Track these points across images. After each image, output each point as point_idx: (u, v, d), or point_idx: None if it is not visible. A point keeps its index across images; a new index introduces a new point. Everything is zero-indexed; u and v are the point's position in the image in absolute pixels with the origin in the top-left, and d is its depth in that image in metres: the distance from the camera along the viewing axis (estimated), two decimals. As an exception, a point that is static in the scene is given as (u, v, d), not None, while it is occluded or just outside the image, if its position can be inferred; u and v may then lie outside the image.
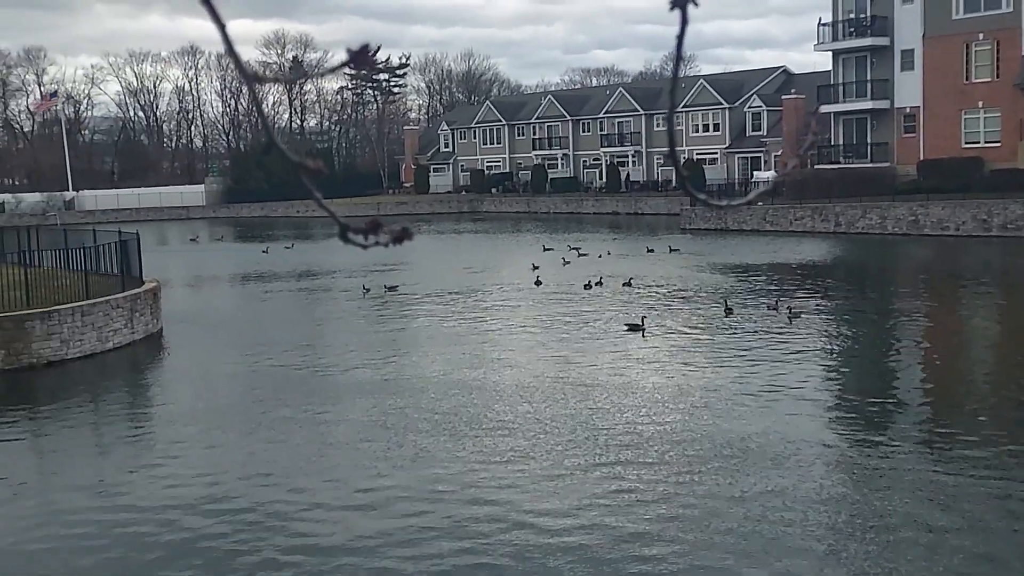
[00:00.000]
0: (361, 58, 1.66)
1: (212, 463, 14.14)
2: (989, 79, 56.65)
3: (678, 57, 1.66)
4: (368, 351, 22.62)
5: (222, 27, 1.52)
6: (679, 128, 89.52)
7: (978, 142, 57.20)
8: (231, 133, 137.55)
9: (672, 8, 1.61)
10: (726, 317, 25.50)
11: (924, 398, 17.20)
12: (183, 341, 25.50)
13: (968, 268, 37.53)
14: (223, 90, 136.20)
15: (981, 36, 56.51)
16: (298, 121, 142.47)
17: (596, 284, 33.56)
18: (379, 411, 16.72)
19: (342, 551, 10.67)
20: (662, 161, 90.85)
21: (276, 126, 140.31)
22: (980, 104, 56.95)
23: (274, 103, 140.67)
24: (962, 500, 11.49)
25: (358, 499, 12.29)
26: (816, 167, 64.27)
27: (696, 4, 1.65)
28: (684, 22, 1.61)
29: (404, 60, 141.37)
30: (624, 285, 33.10)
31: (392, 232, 1.70)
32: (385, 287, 34.26)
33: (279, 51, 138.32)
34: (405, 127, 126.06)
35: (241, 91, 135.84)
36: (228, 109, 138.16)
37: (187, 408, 17.81)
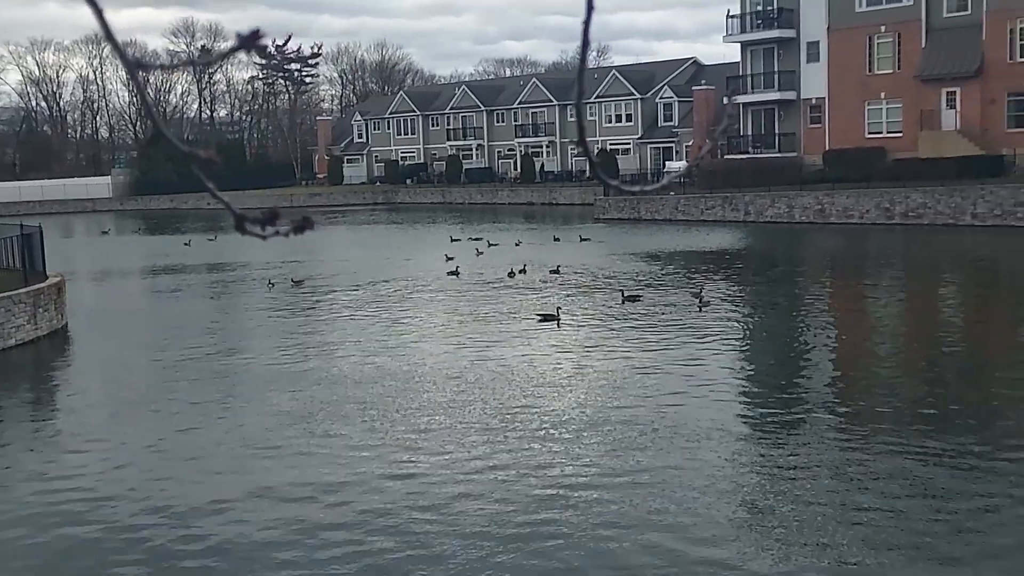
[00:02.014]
0: (251, 43, 1.64)
1: (117, 458, 13.87)
2: (891, 71, 58.19)
3: (584, 44, 1.66)
4: (279, 344, 22.39)
5: (99, 12, 1.51)
6: (592, 119, 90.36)
7: (881, 132, 58.74)
8: (138, 123, 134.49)
9: None
10: (621, 305, 25.84)
11: (831, 381, 17.66)
12: (89, 336, 24.94)
13: (872, 255, 38.57)
14: (129, 80, 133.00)
15: (883, 29, 58.00)
16: (208, 112, 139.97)
17: (520, 272, 33.73)
18: (290, 402, 16.57)
19: (250, 542, 10.58)
20: (576, 151, 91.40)
21: (185, 116, 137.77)
22: (882, 95, 58.46)
23: (183, 93, 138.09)
24: (869, 478, 11.84)
25: (267, 490, 12.18)
26: (726, 157, 65.38)
27: None
28: (590, 9, 1.63)
29: (316, 50, 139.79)
30: (552, 272, 33.36)
31: (293, 222, 1.68)
32: (292, 281, 33.68)
33: (188, 40, 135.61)
34: (318, 118, 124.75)
35: (147, 80, 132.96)
36: (135, 99, 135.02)
37: (92, 403, 17.44)
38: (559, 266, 34.38)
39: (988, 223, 45.58)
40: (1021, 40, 53.23)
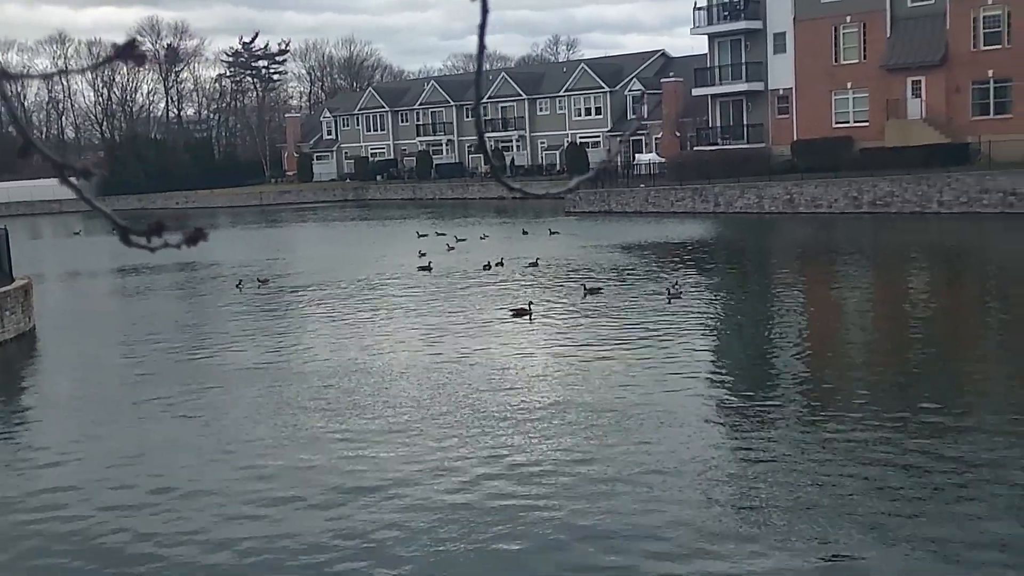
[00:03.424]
0: (128, 53, 1.63)
1: (86, 456, 13.78)
2: (857, 61, 58.62)
3: (481, 48, 1.64)
4: (249, 342, 22.30)
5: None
6: (561, 112, 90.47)
7: (848, 122, 59.17)
8: (105, 123, 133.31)
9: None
10: (582, 299, 25.90)
11: (803, 368, 17.80)
12: (58, 338, 24.73)
13: (841, 244, 38.87)
14: (95, 79, 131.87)
15: (848, 19, 58.40)
16: (175, 110, 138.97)
17: (497, 264, 33.80)
18: (259, 399, 16.52)
19: (219, 536, 10.56)
20: (546, 145, 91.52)
21: (152, 116, 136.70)
22: (849, 85, 58.88)
23: (149, 92, 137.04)
24: (842, 461, 11.96)
25: (238, 485, 12.15)
26: (695, 149, 65.67)
27: None
28: (485, 11, 1.61)
29: (283, 47, 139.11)
30: (531, 265, 33.44)
31: (184, 233, 1.65)
32: (258, 280, 33.10)
33: (154, 39, 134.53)
34: (287, 115, 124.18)
35: (114, 80, 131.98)
36: (101, 99, 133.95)
37: (59, 405, 17.32)
38: (537, 259, 34.46)
39: (954, 210, 46.05)
40: (984, 28, 53.77)
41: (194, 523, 11.21)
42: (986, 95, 54.04)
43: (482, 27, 1.65)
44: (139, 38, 1.59)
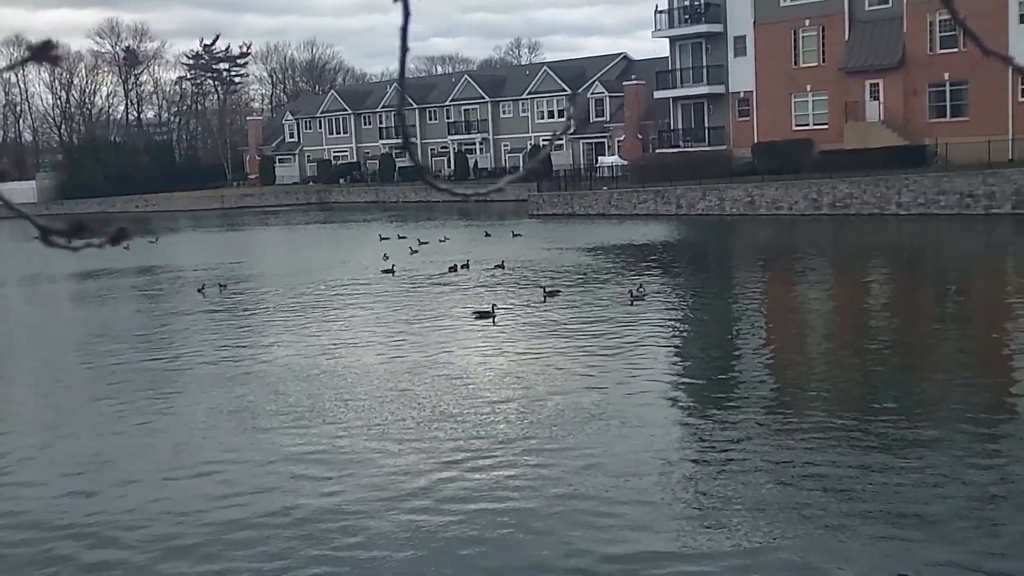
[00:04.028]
0: (43, 54, 1.64)
1: (45, 462, 13.65)
2: (816, 64, 59.23)
3: (403, 50, 1.64)
4: (211, 346, 22.16)
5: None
6: (524, 115, 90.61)
7: (808, 124, 59.75)
8: (63, 126, 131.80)
9: (395, 1, 1.60)
10: (542, 302, 25.96)
11: (763, 371, 17.97)
12: (13, 344, 24.43)
13: (801, 245, 39.26)
14: (53, 82, 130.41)
15: (807, 22, 59.00)
16: (135, 113, 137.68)
17: (463, 267, 33.83)
18: (221, 402, 16.43)
19: (177, 540, 10.50)
20: (510, 148, 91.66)
21: (112, 118, 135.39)
22: (808, 88, 59.47)
23: (108, 94, 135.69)
24: (803, 459, 12.10)
25: (197, 490, 12.09)
26: (657, 151, 66.07)
27: None
28: (407, 14, 1.62)
29: (245, 49, 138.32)
30: (496, 267, 33.51)
31: (108, 233, 1.65)
32: (219, 285, 32.64)
33: (113, 41, 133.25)
34: (248, 118, 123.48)
35: (72, 82, 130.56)
36: (59, 101, 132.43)
37: (15, 412, 17.12)
38: (503, 261, 34.54)
39: (912, 212, 46.65)
40: (941, 32, 54.51)
41: (153, 527, 11.14)
42: (943, 98, 54.79)
43: (404, 30, 1.65)
44: (53, 40, 1.60)
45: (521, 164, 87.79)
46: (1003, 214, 44.01)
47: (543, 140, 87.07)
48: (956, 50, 53.67)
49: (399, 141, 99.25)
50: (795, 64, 59.87)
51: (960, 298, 25.70)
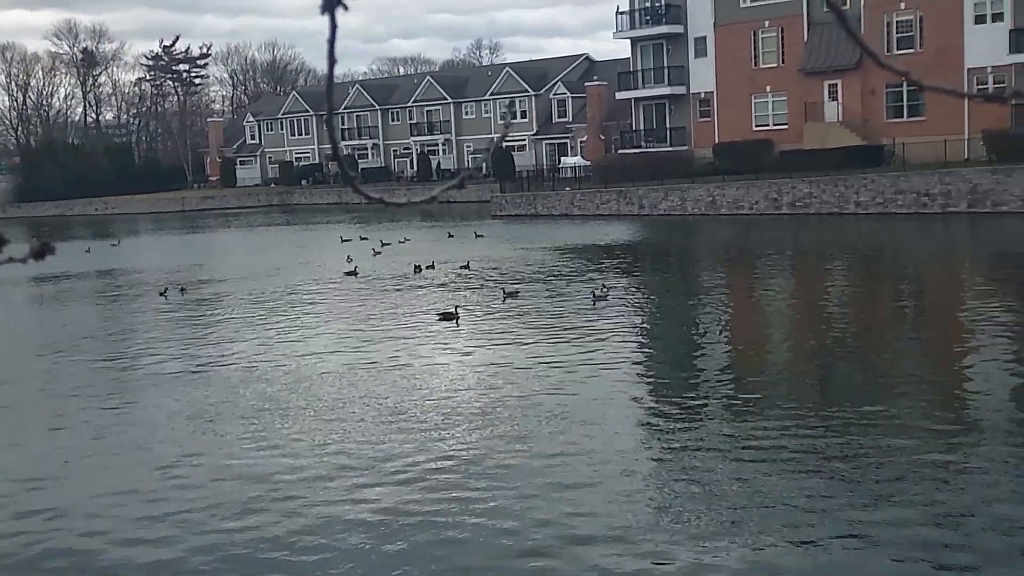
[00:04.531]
0: None
1: (2, 467, 13.53)
2: (776, 65, 59.79)
3: (331, 61, 1.65)
4: (172, 349, 22.01)
5: None
6: (487, 116, 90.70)
7: (768, 125, 60.33)
8: (19, 128, 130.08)
9: (323, 12, 1.60)
10: (502, 303, 26.06)
11: (725, 370, 18.14)
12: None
13: (762, 245, 39.62)
14: (9, 83, 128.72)
15: (767, 23, 59.55)
16: (94, 115, 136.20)
17: (428, 268, 33.83)
18: (180, 404, 16.34)
19: (133, 544, 10.47)
20: (472, 149, 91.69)
21: (70, 120, 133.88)
22: (768, 89, 60.02)
23: (66, 96, 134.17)
24: (766, 455, 12.25)
25: (153, 493, 12.05)
26: (619, 152, 66.39)
27: (346, 8, 1.60)
28: (333, 26, 1.63)
29: (205, 50, 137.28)
30: (462, 268, 33.54)
31: (31, 249, 1.65)
32: (179, 288, 32.28)
33: (71, 42, 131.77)
34: (209, 119, 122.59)
35: (29, 84, 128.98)
36: (16, 103, 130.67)
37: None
38: (468, 262, 34.56)
39: (871, 211, 47.24)
40: (898, 32, 55.24)
41: (110, 531, 11.09)
42: (900, 98, 55.49)
43: (331, 42, 1.66)
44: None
45: (484, 165, 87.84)
46: (959, 212, 44.67)
47: (506, 141, 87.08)
48: (913, 51, 54.43)
49: (363, 142, 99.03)
50: (755, 65, 60.39)
51: (910, 301, 26.06)
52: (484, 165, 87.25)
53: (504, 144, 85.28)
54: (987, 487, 11.00)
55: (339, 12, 1.63)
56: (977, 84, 52.28)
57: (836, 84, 57.21)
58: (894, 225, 43.41)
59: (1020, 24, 50.04)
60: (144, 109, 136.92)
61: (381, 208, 78.57)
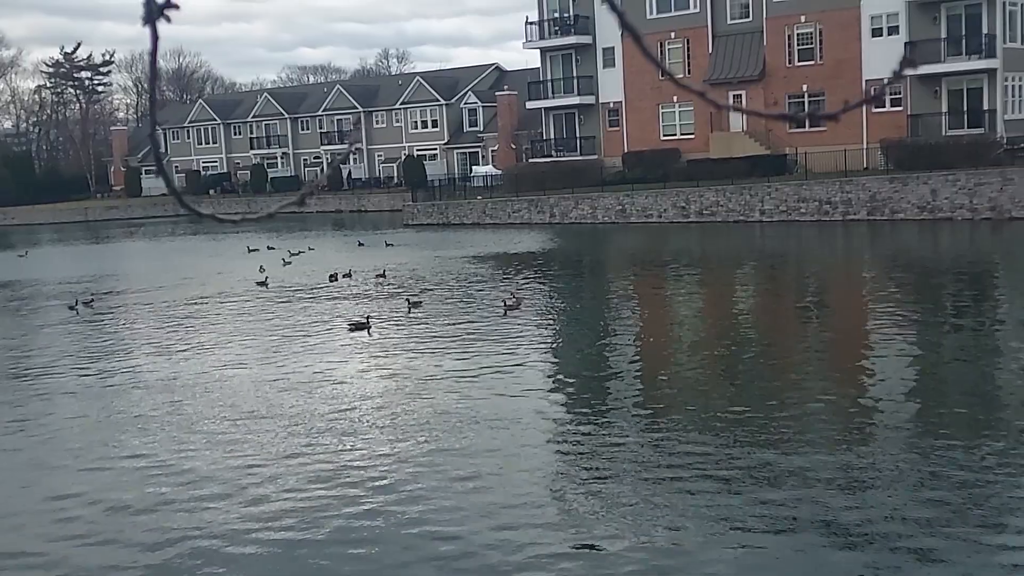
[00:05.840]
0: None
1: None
2: (681, 75, 60.82)
3: (153, 75, 1.68)
4: (76, 362, 21.56)
5: None
6: (398, 125, 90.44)
7: (675, 134, 61.38)
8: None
9: (144, 24, 1.61)
10: (407, 313, 26.08)
11: (635, 377, 18.47)
12: None
13: (671, 252, 40.31)
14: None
15: (673, 35, 60.62)
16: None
17: (344, 276, 33.67)
18: (82, 416, 16.06)
19: (34, 558, 10.30)
20: (383, 158, 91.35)
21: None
22: (675, 99, 61.06)
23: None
24: (676, 458, 12.53)
25: (54, 506, 11.85)
26: (531, 161, 66.85)
27: (168, 20, 1.61)
28: (155, 38, 1.64)
29: (108, 58, 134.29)
30: (378, 276, 33.47)
31: None
32: (83, 301, 31.24)
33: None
34: (112, 128, 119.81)
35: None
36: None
37: None
38: (385, 270, 34.50)
39: (775, 218, 48.42)
40: (799, 45, 56.75)
41: (10, 545, 10.89)
42: (801, 108, 56.90)
43: (153, 53, 1.67)
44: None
45: (395, 174, 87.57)
46: (859, 220, 46.07)
47: (417, 150, 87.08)
48: (813, 63, 55.98)
49: (272, 151, 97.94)
50: (661, 76, 61.32)
51: (817, 308, 26.83)
52: (396, 174, 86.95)
53: (415, 153, 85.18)
54: (882, 488, 11.43)
55: (160, 23, 1.62)
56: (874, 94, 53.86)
57: (740, 94, 58.46)
58: (797, 232, 44.57)
59: (915, 37, 51.82)
60: (44, 117, 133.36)
61: (291, 218, 77.86)
